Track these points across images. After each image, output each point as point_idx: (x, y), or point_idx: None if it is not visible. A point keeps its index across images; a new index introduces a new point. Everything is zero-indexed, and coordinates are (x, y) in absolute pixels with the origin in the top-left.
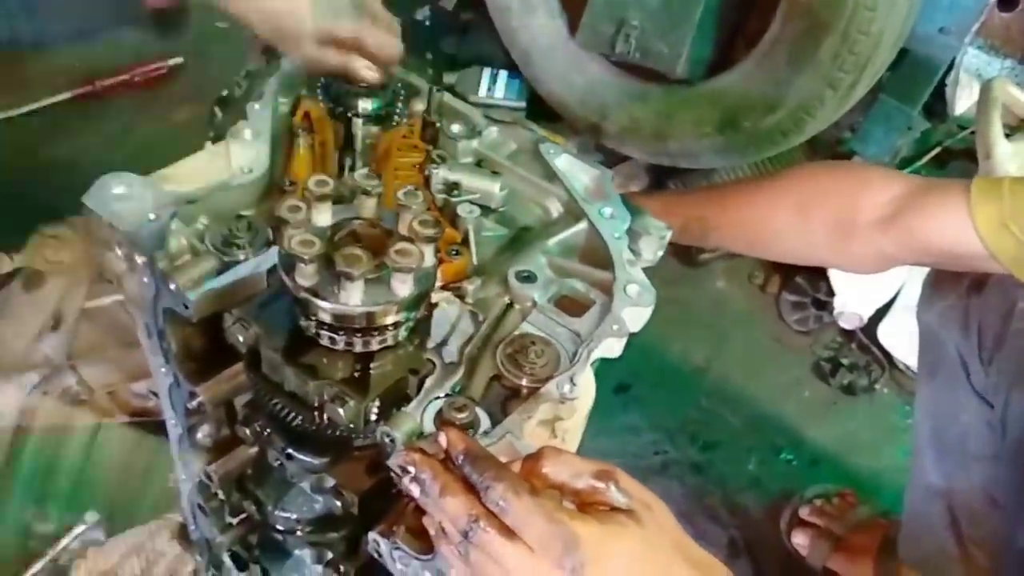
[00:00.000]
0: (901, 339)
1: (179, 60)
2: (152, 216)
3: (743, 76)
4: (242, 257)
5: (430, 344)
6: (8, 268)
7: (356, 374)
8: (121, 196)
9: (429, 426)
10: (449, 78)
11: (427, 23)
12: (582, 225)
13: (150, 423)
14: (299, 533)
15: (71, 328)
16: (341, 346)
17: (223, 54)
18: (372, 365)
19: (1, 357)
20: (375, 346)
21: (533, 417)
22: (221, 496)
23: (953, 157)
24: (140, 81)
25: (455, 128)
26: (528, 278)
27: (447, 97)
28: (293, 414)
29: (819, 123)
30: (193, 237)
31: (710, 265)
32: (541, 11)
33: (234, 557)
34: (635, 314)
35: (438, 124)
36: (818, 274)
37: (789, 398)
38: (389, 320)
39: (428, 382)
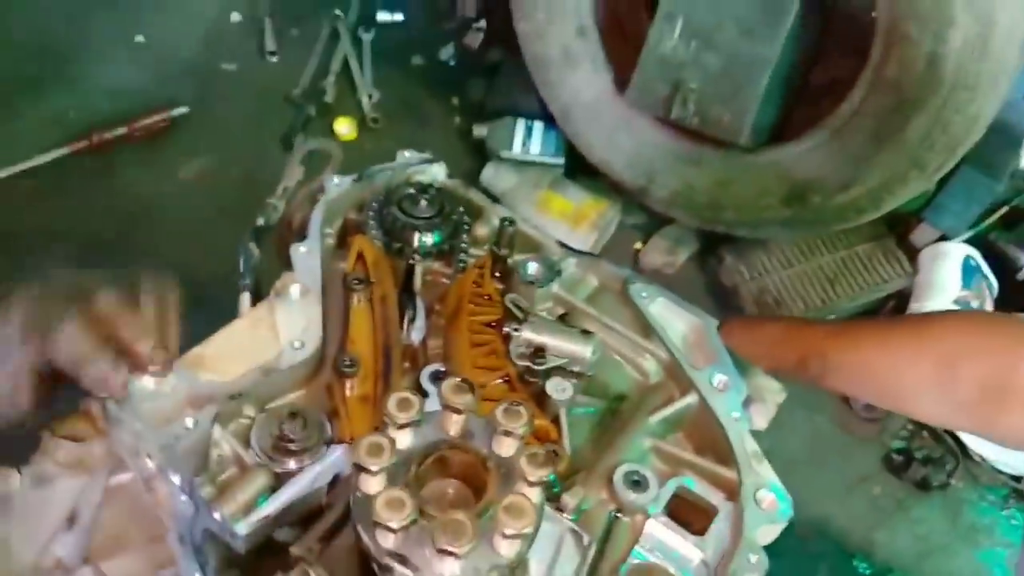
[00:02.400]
0: None
1: (184, 110)
2: (189, 423)
3: (815, 148)
4: (295, 466)
5: None
6: (16, 484)
7: None
8: (150, 394)
9: None
10: (479, 130)
11: (452, 64)
12: (690, 399)
13: None
14: None
15: (87, 525)
16: None
17: (233, 101)
18: None
19: (5, 566)
20: None
21: None
22: None
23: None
24: (141, 134)
25: (532, 269)
26: (638, 483)
27: (519, 224)
28: None
29: (898, 202)
30: (237, 443)
31: None
32: (584, 64)
33: None
34: (768, 530)
35: (510, 261)
36: None
37: (858, 495)
38: None
39: None
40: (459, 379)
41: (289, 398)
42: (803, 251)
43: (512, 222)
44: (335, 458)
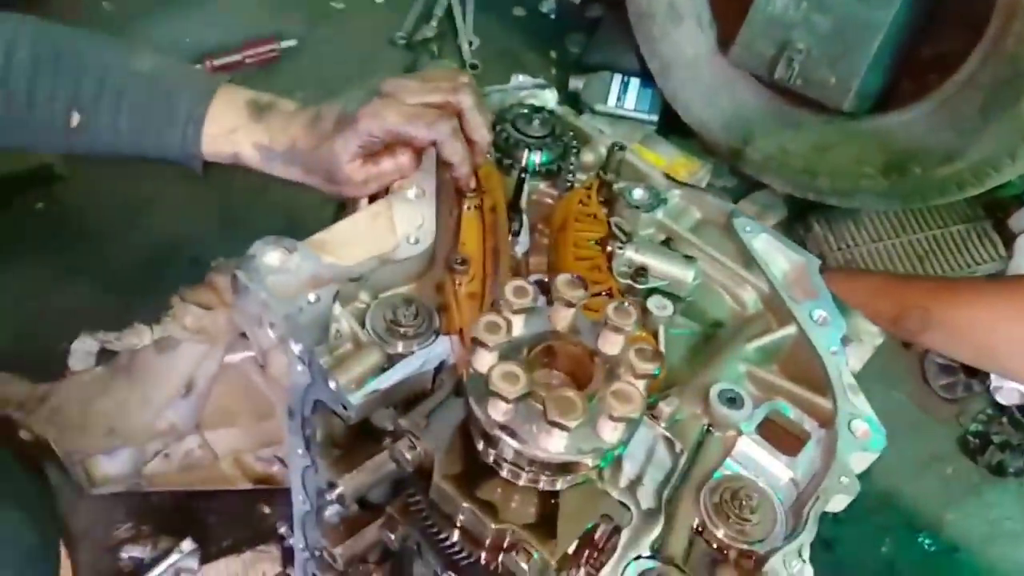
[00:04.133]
0: None
1: (292, 43)
2: (312, 298)
3: (921, 117)
4: (404, 348)
5: (622, 481)
6: (148, 340)
7: (541, 516)
8: (276, 269)
9: None
10: (575, 83)
11: (552, 16)
12: (789, 330)
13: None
14: None
15: (202, 394)
16: (524, 481)
17: (339, 37)
18: (561, 507)
19: (122, 423)
20: (562, 485)
21: None
22: (339, 570)
23: None
24: (252, 63)
25: (637, 195)
26: (733, 400)
27: (627, 154)
28: (461, 551)
29: (1003, 178)
30: (354, 322)
31: None
32: (689, 20)
33: None
34: (860, 459)
35: (616, 186)
36: None
37: (930, 473)
38: (589, 464)
39: (624, 535)
40: (573, 274)
41: (402, 289)
42: (894, 226)
43: (623, 147)
44: (443, 347)
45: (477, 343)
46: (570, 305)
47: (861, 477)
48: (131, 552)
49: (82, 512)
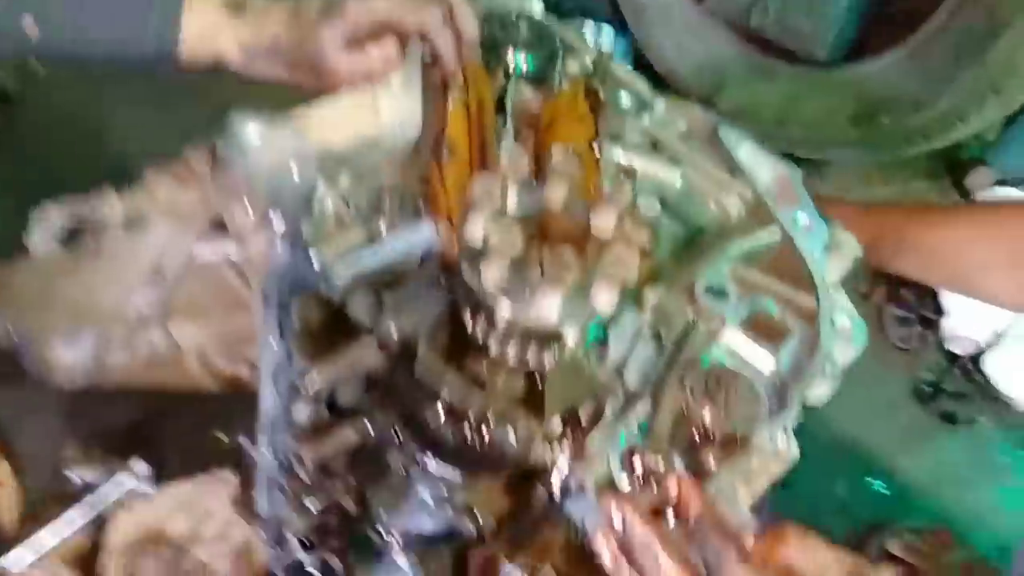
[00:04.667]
0: (1008, 371)
1: None
2: (295, 173)
3: (892, 65)
4: (389, 232)
5: (608, 364)
6: (117, 208)
7: (528, 394)
8: (258, 142)
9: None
10: None
11: None
12: (773, 235)
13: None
14: (403, 541)
15: (171, 280)
16: (511, 358)
17: None
18: (548, 386)
19: (86, 306)
20: (550, 362)
21: (746, 477)
22: (305, 479)
23: None
24: None
25: (624, 99)
26: (719, 294)
27: (612, 63)
28: (445, 428)
29: (969, 129)
30: (340, 201)
31: None
32: None
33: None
34: (844, 351)
35: (602, 93)
36: (927, 290)
37: (884, 421)
38: (578, 334)
39: (609, 412)
40: (569, 148)
41: (386, 177)
42: (860, 181)
43: (609, 55)
44: (428, 232)
45: (473, 205)
46: (564, 179)
47: (818, 425)
48: (80, 474)
49: (29, 433)
